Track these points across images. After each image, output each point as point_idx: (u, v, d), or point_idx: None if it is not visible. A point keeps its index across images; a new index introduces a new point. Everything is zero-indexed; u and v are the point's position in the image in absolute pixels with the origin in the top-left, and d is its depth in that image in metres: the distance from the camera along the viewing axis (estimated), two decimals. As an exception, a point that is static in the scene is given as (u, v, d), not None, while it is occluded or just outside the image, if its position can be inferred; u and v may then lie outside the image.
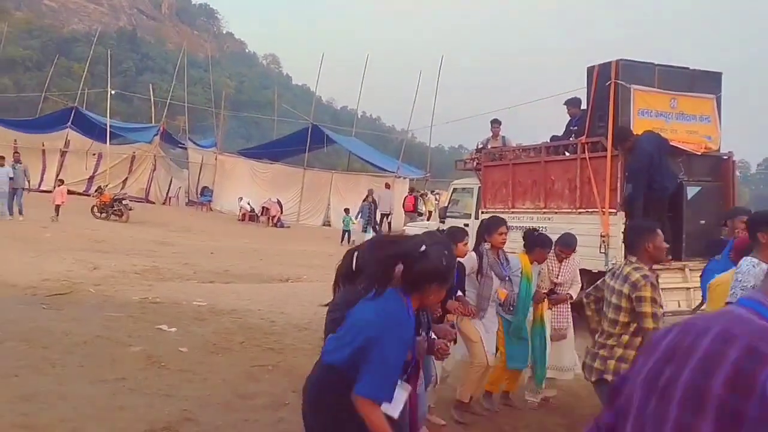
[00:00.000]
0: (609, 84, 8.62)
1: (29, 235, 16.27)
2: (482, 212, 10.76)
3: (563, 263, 6.43)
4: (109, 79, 36.37)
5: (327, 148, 36.31)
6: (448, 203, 12.19)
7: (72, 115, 33.87)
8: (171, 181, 35.15)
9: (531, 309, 6.11)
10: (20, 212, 19.91)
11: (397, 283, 2.79)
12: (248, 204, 29.08)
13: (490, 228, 5.87)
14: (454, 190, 12.23)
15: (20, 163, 21.07)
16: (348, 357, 2.73)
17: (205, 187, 34.27)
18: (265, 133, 41.57)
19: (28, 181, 21.56)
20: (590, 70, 9.11)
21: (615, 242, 8.42)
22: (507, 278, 5.81)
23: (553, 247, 6.26)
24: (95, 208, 23.86)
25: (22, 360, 6.43)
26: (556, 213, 9.42)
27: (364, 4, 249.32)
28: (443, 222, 11.64)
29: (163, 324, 8.49)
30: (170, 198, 34.65)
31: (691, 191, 8.88)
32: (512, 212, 10.07)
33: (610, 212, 8.53)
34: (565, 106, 10.37)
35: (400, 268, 2.78)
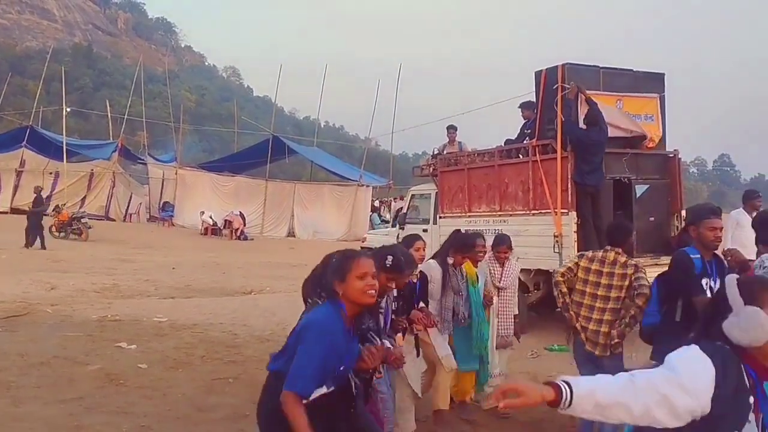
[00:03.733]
0: (556, 87, 8.83)
1: (-17, 258, 15.98)
2: (440, 217, 10.89)
3: (504, 267, 6.37)
4: (63, 96, 35.82)
5: (290, 158, 36.26)
6: (407, 209, 12.29)
7: (27, 134, 33.32)
8: (131, 198, 34.75)
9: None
10: None
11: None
12: (210, 218, 28.89)
13: (467, 246, 5.84)
14: (413, 196, 12.34)
15: None
16: (285, 362, 2.87)
17: (166, 202, 33.99)
18: (227, 146, 41.36)
19: None
20: (538, 74, 9.32)
21: (568, 242, 8.61)
22: (460, 293, 5.74)
23: (490, 252, 6.29)
24: (53, 227, 23.51)
25: (-24, 384, 6.34)
26: (510, 215, 9.58)
27: (325, 14, 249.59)
28: (402, 228, 11.73)
29: (122, 341, 8.43)
30: (131, 215, 34.26)
31: (640, 189, 9.11)
32: (469, 216, 10.22)
33: (562, 212, 8.71)
34: (520, 109, 10.55)
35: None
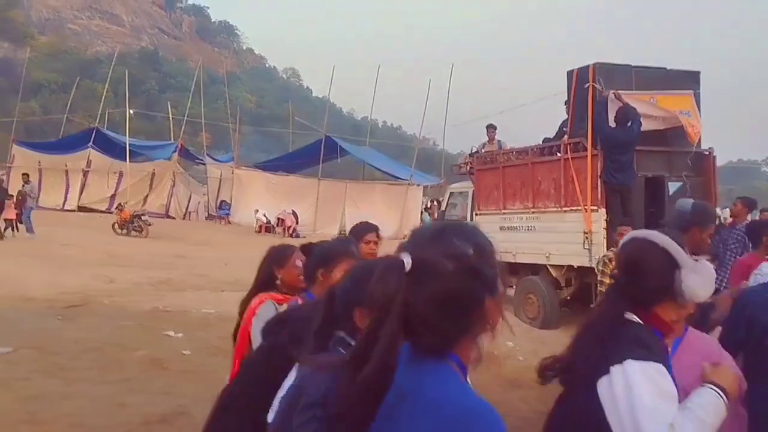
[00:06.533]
0: (587, 86, 8.95)
1: (51, 251, 16.91)
2: (476, 214, 11.12)
3: None
4: (127, 98, 37.25)
5: (344, 158, 36.80)
6: (446, 207, 12.55)
7: (93, 135, 34.74)
8: (190, 197, 35.90)
9: None
10: (29, 230, 20.16)
11: None
12: (264, 216, 29.65)
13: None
14: (451, 194, 12.61)
15: (29, 183, 21.63)
16: None
17: (223, 201, 35.01)
18: (285, 147, 42.22)
19: (36, 200, 21.83)
20: (570, 73, 9.45)
21: (597, 238, 8.73)
22: None
23: None
24: (116, 225, 24.58)
25: (33, 365, 6.92)
26: (543, 212, 9.74)
27: (385, 17, 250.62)
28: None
29: (170, 330, 8.95)
30: (190, 213, 35.41)
31: (673, 187, 9.14)
32: (503, 213, 10.41)
33: (592, 210, 8.83)
34: (565, 107, 10.65)
35: None
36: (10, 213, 19.91)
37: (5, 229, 19.80)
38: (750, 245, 6.24)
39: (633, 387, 1.76)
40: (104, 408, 5.74)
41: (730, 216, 7.37)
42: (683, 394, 2.60)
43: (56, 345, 7.82)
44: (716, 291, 6.66)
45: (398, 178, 32.08)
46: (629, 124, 8.57)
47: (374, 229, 4.53)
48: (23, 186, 21.27)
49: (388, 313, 1.25)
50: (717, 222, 7.32)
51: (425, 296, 1.27)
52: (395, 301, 1.25)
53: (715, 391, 1.86)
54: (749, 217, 8.26)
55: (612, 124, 8.72)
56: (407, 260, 1.30)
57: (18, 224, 20.13)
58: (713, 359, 2.72)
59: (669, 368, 1.87)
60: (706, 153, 9.58)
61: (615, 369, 1.80)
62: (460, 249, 1.35)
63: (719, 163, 9.96)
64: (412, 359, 1.32)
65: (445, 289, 1.30)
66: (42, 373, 6.67)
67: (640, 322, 1.92)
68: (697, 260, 1.95)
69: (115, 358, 7.48)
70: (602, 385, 1.81)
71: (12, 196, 20.39)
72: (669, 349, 2.20)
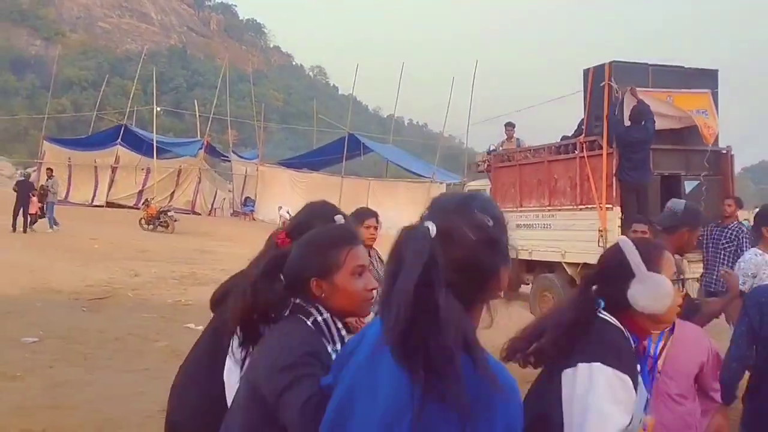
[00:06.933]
0: (603, 85, 8.99)
1: (79, 245, 17.32)
2: (493, 212, 11.18)
3: None
4: (155, 96, 37.84)
5: (367, 156, 36.97)
6: (464, 205, 12.62)
7: (121, 132, 35.35)
8: (216, 193, 36.37)
9: None
10: (51, 225, 20.64)
11: None
12: (287, 213, 29.90)
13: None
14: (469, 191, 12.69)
15: (51, 178, 22.00)
16: None
17: (248, 197, 35.39)
18: (311, 144, 42.56)
19: (56, 194, 21.99)
20: (586, 72, 9.49)
21: (612, 236, 8.76)
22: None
23: None
24: (143, 220, 25.03)
25: (58, 354, 7.18)
26: (559, 210, 9.80)
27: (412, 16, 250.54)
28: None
29: (191, 323, 9.14)
30: (215, 209, 35.87)
31: (689, 185, 9.14)
32: (520, 211, 10.47)
33: (607, 208, 8.88)
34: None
35: None
36: (34, 207, 20.27)
37: (32, 223, 20.19)
38: (746, 243, 6.28)
39: (593, 390, 1.78)
40: (124, 395, 5.95)
41: (724, 215, 7.34)
42: (674, 378, 2.71)
43: (81, 335, 8.09)
44: (710, 293, 6.71)
45: (421, 175, 32.16)
46: (644, 122, 8.59)
47: (374, 215, 4.73)
48: (46, 180, 21.71)
49: (411, 274, 1.31)
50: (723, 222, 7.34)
51: (447, 262, 1.34)
52: (420, 265, 1.31)
53: None
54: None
55: (627, 122, 8.75)
56: (432, 228, 1.37)
57: (38, 218, 20.46)
58: (703, 347, 2.84)
59: (639, 374, 1.91)
60: (724, 151, 9.57)
61: (582, 366, 1.82)
62: (482, 220, 1.43)
63: (751, 162, 9.95)
64: None
65: (467, 256, 1.38)
66: (66, 362, 6.92)
67: (617, 324, 1.95)
68: (653, 274, 1.95)
69: (137, 349, 7.73)
70: (566, 376, 1.85)
71: (36, 190, 20.81)
72: (650, 344, 2.31)
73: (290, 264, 1.90)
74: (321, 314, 1.85)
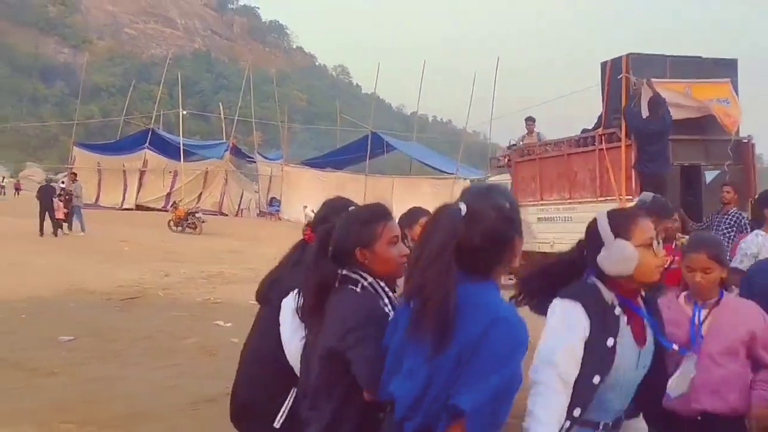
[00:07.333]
0: (620, 77, 9.02)
1: (110, 248, 17.71)
2: (514, 206, 11.26)
3: None
4: (181, 100, 38.33)
5: (391, 153, 37.10)
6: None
7: (149, 136, 35.88)
8: (242, 194, 36.78)
9: None
10: (82, 228, 21.03)
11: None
12: (312, 212, 30.04)
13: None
14: (490, 186, 12.76)
15: (75, 182, 22.23)
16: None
17: (273, 197, 35.71)
18: (335, 144, 42.88)
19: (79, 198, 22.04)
20: (603, 65, 9.54)
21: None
22: None
23: None
24: (171, 222, 25.41)
25: (92, 352, 7.43)
26: (579, 203, 9.85)
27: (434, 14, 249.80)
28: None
29: (219, 320, 9.37)
30: (242, 210, 36.27)
31: (710, 175, 9.14)
32: (541, 205, 10.55)
33: (626, 199, 8.91)
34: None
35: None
36: (60, 212, 20.47)
37: (60, 227, 20.42)
38: (746, 228, 6.30)
39: (551, 315, 2.18)
40: (156, 390, 6.15)
41: (723, 202, 7.37)
42: (716, 341, 2.87)
43: (113, 333, 8.34)
44: None
45: (444, 172, 32.21)
46: (661, 114, 8.61)
47: (427, 213, 4.94)
48: (70, 185, 21.86)
49: (446, 245, 1.78)
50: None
51: (478, 233, 1.81)
52: (453, 237, 1.78)
53: None
54: None
55: (645, 114, 8.78)
56: (463, 208, 1.83)
57: (63, 223, 20.63)
58: (753, 317, 2.92)
59: (636, 320, 2.24)
60: (745, 141, 9.54)
61: (550, 304, 2.23)
62: (500, 202, 1.88)
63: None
64: (464, 282, 1.80)
65: (490, 229, 1.83)
66: (100, 359, 7.16)
67: (595, 283, 2.22)
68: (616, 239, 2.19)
69: (167, 346, 7.95)
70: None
71: (59, 195, 20.92)
72: (695, 311, 2.88)
73: (338, 238, 2.26)
74: (366, 279, 2.22)
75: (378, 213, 2.30)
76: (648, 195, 4.61)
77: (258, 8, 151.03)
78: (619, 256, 2.15)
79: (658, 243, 2.23)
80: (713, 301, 2.93)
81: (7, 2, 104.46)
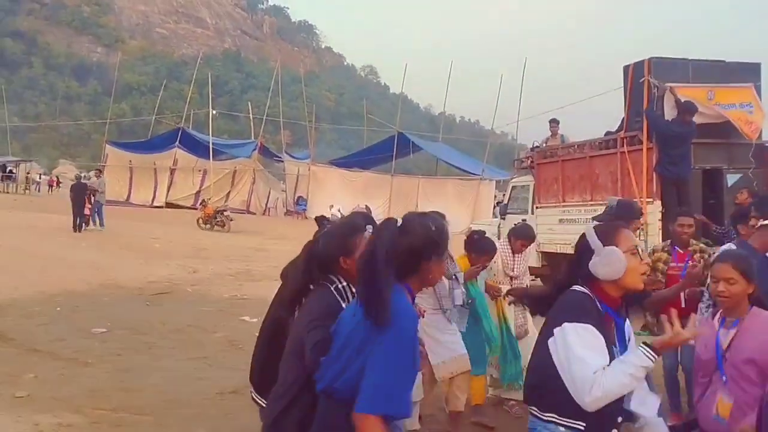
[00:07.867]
0: (642, 81, 9.10)
1: (141, 244, 18.14)
2: (537, 207, 11.39)
3: (517, 256, 5.91)
4: (210, 99, 38.85)
5: (418, 154, 37.24)
6: (509, 200, 12.85)
7: (179, 135, 36.44)
8: (269, 193, 37.20)
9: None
10: (100, 223, 21.15)
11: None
12: (339, 211, 30.35)
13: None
14: (513, 187, 12.88)
15: (100, 178, 22.53)
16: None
17: (300, 196, 36.08)
18: (362, 143, 43.18)
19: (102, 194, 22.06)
20: (626, 68, 9.61)
21: (652, 230, 8.90)
22: (454, 276, 5.05)
23: (509, 240, 5.93)
24: (200, 220, 25.89)
25: (125, 343, 7.74)
26: (601, 204, 9.91)
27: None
28: (504, 218, 12.33)
29: (246, 315, 9.63)
30: (269, 208, 36.70)
31: (731, 179, 9.18)
32: (563, 206, 10.65)
33: (647, 201, 9.00)
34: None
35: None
36: (87, 209, 20.74)
37: (86, 223, 20.63)
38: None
39: (568, 343, 2.30)
40: (185, 380, 6.43)
41: (736, 204, 7.44)
42: (739, 364, 2.96)
43: (145, 326, 8.66)
44: None
45: (470, 173, 32.30)
46: (689, 119, 8.66)
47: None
48: (95, 179, 22.16)
49: (383, 249, 2.14)
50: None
51: (404, 243, 2.19)
52: (389, 243, 2.15)
53: (645, 351, 2.28)
54: None
55: (669, 117, 8.85)
56: (399, 221, 2.26)
57: (89, 219, 20.88)
58: None
59: (615, 328, 2.47)
60: (767, 145, 9.55)
61: (557, 330, 2.36)
62: (428, 224, 2.28)
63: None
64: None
65: (412, 242, 2.22)
66: (132, 350, 7.46)
67: (584, 291, 2.44)
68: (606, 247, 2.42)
69: (196, 339, 8.24)
70: (551, 345, 2.38)
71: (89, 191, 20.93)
72: (719, 334, 3.04)
73: (323, 249, 2.63)
74: (340, 282, 2.58)
75: (356, 227, 2.61)
76: (613, 199, 5.06)
77: (287, 8, 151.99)
78: (611, 259, 2.38)
79: (642, 251, 2.50)
80: (741, 319, 3.03)
81: (43, 2, 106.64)
